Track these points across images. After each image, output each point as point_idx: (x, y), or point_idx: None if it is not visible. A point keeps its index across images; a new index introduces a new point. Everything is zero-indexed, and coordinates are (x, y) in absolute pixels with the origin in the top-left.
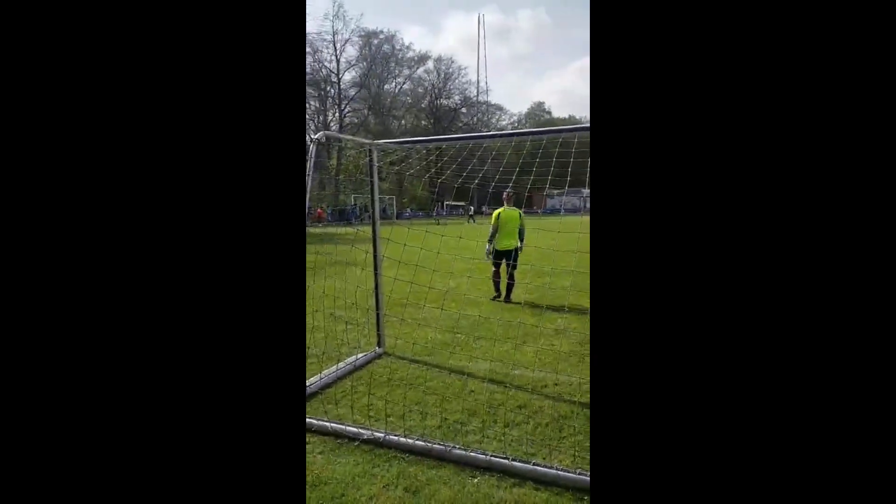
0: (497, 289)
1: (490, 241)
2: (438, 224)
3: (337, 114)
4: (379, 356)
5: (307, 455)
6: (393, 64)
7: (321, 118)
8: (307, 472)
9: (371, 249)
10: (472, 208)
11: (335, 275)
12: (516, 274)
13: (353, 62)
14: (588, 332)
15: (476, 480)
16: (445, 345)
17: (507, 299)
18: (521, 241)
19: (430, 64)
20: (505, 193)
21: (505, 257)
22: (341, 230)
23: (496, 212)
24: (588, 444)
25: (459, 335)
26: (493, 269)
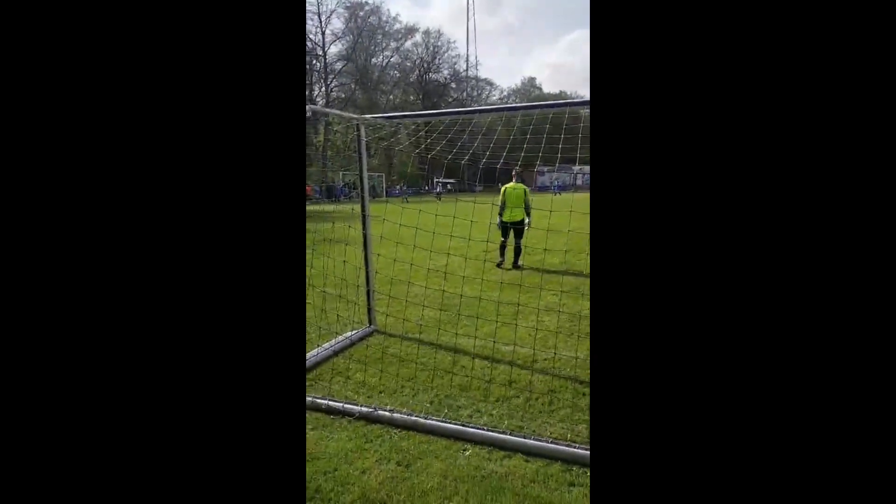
0: (502, 255)
1: (500, 213)
2: (406, 202)
3: (323, 88)
4: (370, 334)
5: None
6: (380, 36)
7: (307, 93)
8: None
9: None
10: (439, 186)
11: (326, 252)
12: (522, 243)
13: (338, 35)
14: (578, 309)
15: (468, 453)
16: (438, 322)
17: (515, 264)
18: (529, 216)
19: (418, 37)
20: (514, 171)
21: (512, 228)
22: (330, 207)
23: (503, 187)
24: (577, 416)
25: (451, 313)
26: (502, 239)
